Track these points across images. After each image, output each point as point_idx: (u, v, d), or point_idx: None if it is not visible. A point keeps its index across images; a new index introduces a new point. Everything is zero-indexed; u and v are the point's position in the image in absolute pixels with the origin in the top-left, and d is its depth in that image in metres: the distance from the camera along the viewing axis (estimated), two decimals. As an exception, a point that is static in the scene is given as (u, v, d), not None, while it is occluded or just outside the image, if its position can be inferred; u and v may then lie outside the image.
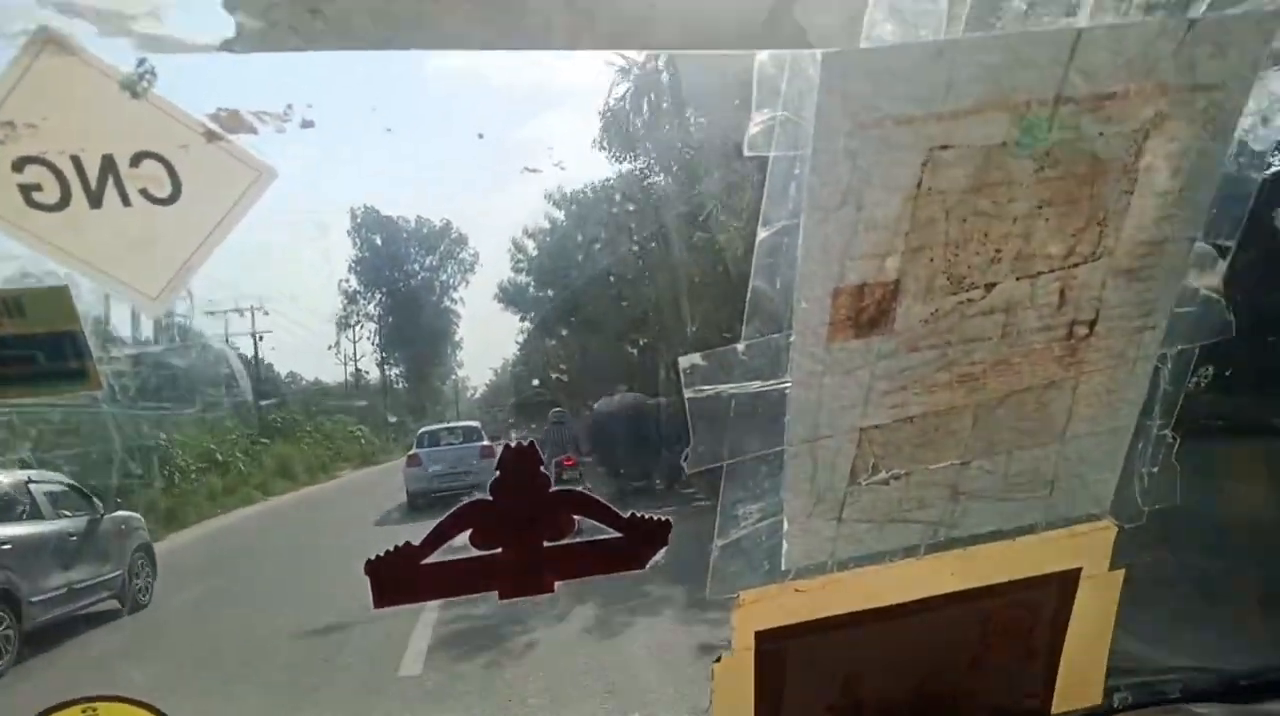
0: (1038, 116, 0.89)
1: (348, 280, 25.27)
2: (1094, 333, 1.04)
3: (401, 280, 25.96)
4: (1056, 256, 0.98)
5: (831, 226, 0.91)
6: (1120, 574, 1.25)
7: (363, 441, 20.06)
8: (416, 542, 1.09)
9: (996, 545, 1.19)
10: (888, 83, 0.85)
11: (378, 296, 25.82)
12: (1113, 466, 1.18)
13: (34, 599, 5.76)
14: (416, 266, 26.25)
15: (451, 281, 26.30)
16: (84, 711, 1.18)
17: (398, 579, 1.09)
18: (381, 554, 1.08)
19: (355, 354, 25.36)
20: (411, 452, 12.93)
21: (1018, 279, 0.98)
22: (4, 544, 5.46)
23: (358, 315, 25.41)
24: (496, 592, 1.13)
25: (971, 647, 1.27)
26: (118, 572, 6.67)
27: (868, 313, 0.96)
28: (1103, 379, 1.09)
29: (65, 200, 0.81)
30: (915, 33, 0.86)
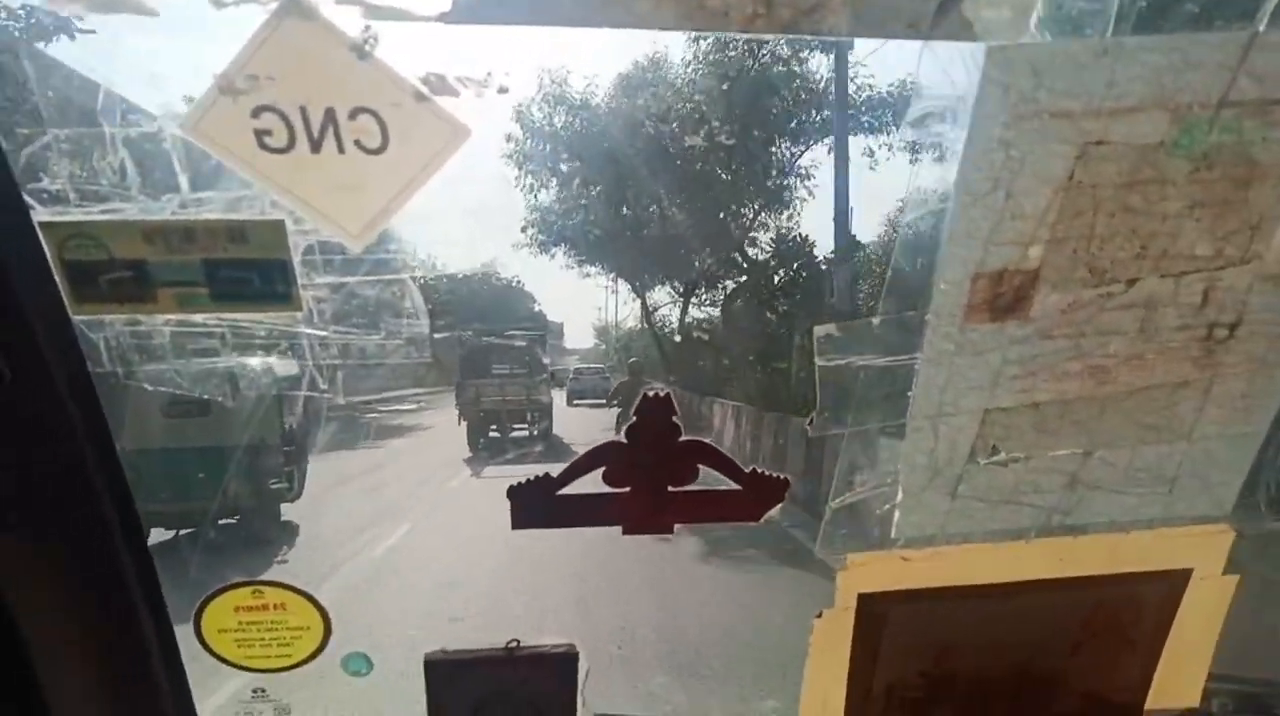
0: (1199, 118, 0.90)
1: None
2: (1234, 335, 1.04)
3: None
4: (1203, 257, 0.98)
5: (978, 211, 0.94)
6: (1234, 579, 1.24)
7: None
8: (555, 475, 1.20)
9: (1109, 536, 1.19)
10: (1049, 77, 0.87)
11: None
12: (1238, 470, 1.16)
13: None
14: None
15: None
16: (254, 592, 1.35)
17: (535, 505, 1.19)
18: (523, 481, 1.19)
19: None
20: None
21: (1161, 277, 0.99)
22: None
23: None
24: (620, 527, 1.23)
25: (1072, 634, 1.28)
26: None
27: (1005, 298, 0.99)
28: (1238, 382, 1.07)
29: (290, 145, 0.93)
30: (1081, 31, 0.88)
